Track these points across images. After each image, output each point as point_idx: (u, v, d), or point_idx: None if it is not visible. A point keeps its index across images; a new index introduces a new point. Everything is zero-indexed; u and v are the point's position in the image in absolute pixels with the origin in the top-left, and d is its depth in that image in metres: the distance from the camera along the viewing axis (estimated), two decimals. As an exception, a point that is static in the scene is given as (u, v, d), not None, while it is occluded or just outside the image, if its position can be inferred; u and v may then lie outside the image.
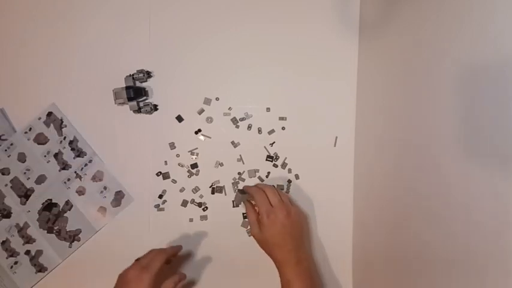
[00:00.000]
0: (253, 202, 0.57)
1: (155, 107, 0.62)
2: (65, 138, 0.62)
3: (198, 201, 0.62)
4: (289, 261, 0.51)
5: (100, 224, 0.62)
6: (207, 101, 0.62)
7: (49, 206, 0.63)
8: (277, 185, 0.62)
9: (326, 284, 0.62)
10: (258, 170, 0.62)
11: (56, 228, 0.63)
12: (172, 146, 0.62)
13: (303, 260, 0.53)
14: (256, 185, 0.57)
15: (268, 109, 0.62)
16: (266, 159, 0.62)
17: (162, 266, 0.51)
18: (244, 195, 0.57)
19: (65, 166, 0.63)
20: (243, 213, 0.62)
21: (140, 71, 0.60)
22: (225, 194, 0.62)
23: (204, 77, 0.62)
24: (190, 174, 0.62)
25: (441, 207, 0.37)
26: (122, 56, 0.62)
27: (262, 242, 0.53)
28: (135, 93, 0.58)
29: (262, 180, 0.62)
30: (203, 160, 0.62)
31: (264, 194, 0.54)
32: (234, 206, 0.62)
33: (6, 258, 0.62)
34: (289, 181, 0.62)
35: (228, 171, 0.62)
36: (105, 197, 0.63)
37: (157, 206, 0.62)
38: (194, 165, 0.62)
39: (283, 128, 0.62)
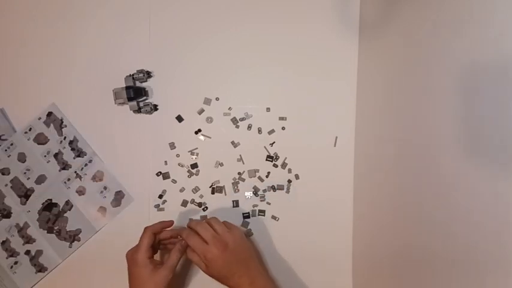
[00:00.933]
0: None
1: (155, 107, 0.62)
2: (65, 138, 0.62)
3: (198, 201, 0.62)
4: (243, 286, 0.51)
5: (100, 224, 0.62)
6: (207, 101, 0.62)
7: (49, 206, 0.63)
8: (277, 185, 0.62)
9: (326, 284, 0.62)
10: (258, 170, 0.62)
11: (56, 228, 0.63)
12: (172, 146, 0.62)
13: (256, 279, 0.52)
14: (188, 225, 0.54)
15: (268, 109, 0.62)
16: (266, 159, 0.62)
17: (152, 241, 0.52)
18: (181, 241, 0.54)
19: (65, 166, 0.63)
20: (243, 213, 0.62)
21: (140, 71, 0.60)
22: (225, 194, 0.62)
23: (204, 77, 0.62)
24: (190, 174, 0.62)
25: (441, 207, 0.37)
26: (122, 56, 0.62)
27: (213, 277, 0.52)
28: (135, 93, 0.58)
29: (262, 180, 0.62)
30: (203, 160, 0.62)
31: (196, 235, 0.52)
32: (234, 206, 0.62)
33: (6, 258, 0.62)
34: (289, 181, 0.62)
35: (228, 171, 0.62)
36: (105, 197, 0.63)
37: (157, 206, 0.62)
38: (194, 165, 0.62)
39: (283, 128, 0.62)
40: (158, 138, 0.62)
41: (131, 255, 0.51)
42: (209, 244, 0.50)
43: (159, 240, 0.55)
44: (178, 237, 0.54)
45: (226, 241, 0.51)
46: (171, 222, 0.56)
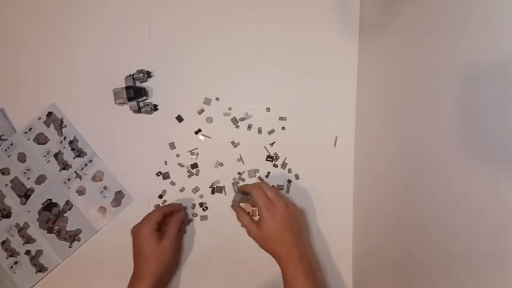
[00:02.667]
0: (243, 205, 0.58)
1: (155, 107, 0.62)
2: (65, 138, 0.62)
3: (198, 201, 0.62)
4: (292, 258, 0.51)
5: (100, 224, 0.63)
6: (207, 101, 0.62)
7: (49, 206, 0.63)
8: (277, 185, 0.62)
9: (326, 284, 0.62)
10: (258, 170, 0.62)
11: (56, 228, 0.63)
12: (172, 146, 0.62)
13: (305, 256, 0.52)
14: (252, 184, 0.57)
15: (268, 109, 0.62)
16: (266, 159, 0.62)
17: (159, 219, 0.54)
18: (242, 195, 0.57)
19: (65, 166, 0.63)
20: (243, 213, 0.62)
21: (140, 71, 0.60)
22: (225, 194, 0.62)
23: (204, 77, 0.62)
24: (190, 174, 0.62)
25: (441, 207, 0.37)
26: (122, 56, 0.62)
27: (263, 240, 0.52)
28: (135, 93, 0.58)
29: (262, 180, 0.62)
30: (203, 160, 0.62)
31: (261, 190, 0.54)
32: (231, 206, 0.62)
33: (6, 258, 0.62)
34: (289, 181, 0.62)
35: (228, 171, 0.62)
36: (105, 197, 0.63)
37: (157, 206, 0.62)
38: (194, 165, 0.62)
39: (283, 128, 0.62)
40: (158, 138, 0.62)
41: (137, 228, 0.54)
42: (272, 201, 0.52)
43: (165, 223, 0.57)
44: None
45: (288, 203, 0.53)
46: (181, 207, 0.60)
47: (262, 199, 0.52)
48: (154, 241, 0.52)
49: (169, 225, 0.56)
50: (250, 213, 0.59)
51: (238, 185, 0.62)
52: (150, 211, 0.56)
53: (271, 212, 0.51)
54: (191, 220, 0.62)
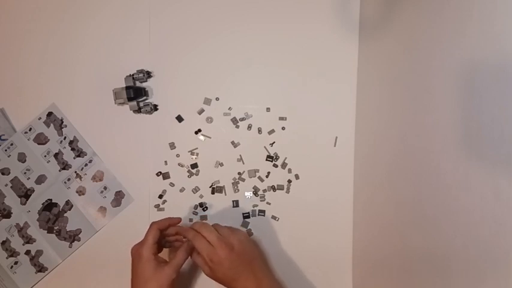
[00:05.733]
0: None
1: (155, 107, 0.62)
2: (65, 138, 0.62)
3: (198, 201, 0.62)
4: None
5: (100, 224, 0.63)
6: (207, 101, 0.62)
7: (49, 206, 0.63)
8: (277, 185, 0.62)
9: (326, 284, 0.62)
10: (258, 170, 0.62)
11: (56, 228, 0.63)
12: (172, 146, 0.62)
13: (263, 281, 0.51)
14: (192, 226, 0.53)
15: (268, 109, 0.62)
16: (266, 159, 0.62)
17: (157, 237, 0.51)
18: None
19: (65, 166, 0.63)
20: (243, 213, 0.62)
21: (140, 71, 0.60)
22: (225, 194, 0.62)
23: (204, 77, 0.62)
24: (190, 174, 0.62)
25: (441, 206, 0.37)
26: (121, 56, 0.62)
27: (218, 281, 0.51)
28: (135, 93, 0.58)
29: (262, 180, 0.62)
30: (203, 160, 0.62)
31: (201, 237, 0.51)
32: (234, 206, 0.62)
33: (6, 258, 0.62)
34: (289, 181, 0.62)
35: (228, 171, 0.62)
36: (105, 197, 0.63)
37: (157, 206, 0.62)
38: (194, 165, 0.62)
39: (283, 128, 0.62)
40: (158, 138, 0.62)
41: (136, 250, 0.51)
42: (215, 246, 0.50)
43: (164, 237, 0.54)
44: (183, 238, 0.54)
45: (232, 243, 0.51)
46: (179, 220, 0.55)
47: (205, 250, 0.50)
48: (154, 266, 0.49)
49: (177, 252, 0.51)
50: None
51: (239, 185, 0.62)
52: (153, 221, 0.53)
53: (216, 261, 0.49)
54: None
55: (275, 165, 0.62)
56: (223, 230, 0.53)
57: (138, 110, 0.60)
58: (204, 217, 0.62)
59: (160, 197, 0.62)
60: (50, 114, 0.62)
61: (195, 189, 0.62)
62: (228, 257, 0.50)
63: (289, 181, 0.62)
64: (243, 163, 0.62)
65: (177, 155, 0.62)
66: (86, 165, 0.62)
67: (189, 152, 0.62)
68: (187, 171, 0.62)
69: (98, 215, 0.63)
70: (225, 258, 0.49)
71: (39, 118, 0.62)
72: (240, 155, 0.62)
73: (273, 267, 0.62)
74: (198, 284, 0.62)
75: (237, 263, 0.50)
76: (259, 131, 0.62)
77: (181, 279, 0.62)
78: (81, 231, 0.62)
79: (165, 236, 0.55)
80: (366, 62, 0.59)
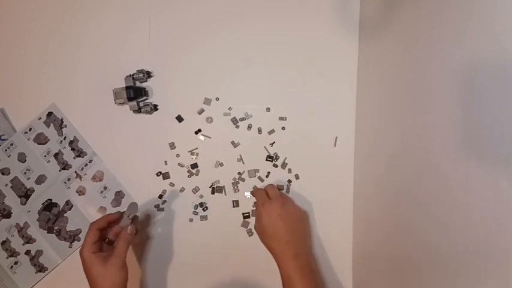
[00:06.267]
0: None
1: (155, 107, 0.62)
2: (65, 138, 0.62)
3: (198, 201, 0.62)
4: (287, 254, 0.51)
5: (100, 224, 0.62)
6: (207, 101, 0.62)
7: (49, 206, 0.63)
8: (277, 185, 0.62)
9: (326, 284, 0.62)
10: (258, 170, 0.62)
11: (56, 228, 0.63)
12: (172, 146, 0.62)
13: (302, 254, 0.53)
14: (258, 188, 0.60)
15: (268, 109, 0.62)
16: (266, 159, 0.62)
17: (96, 236, 0.50)
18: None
19: (65, 166, 0.63)
20: (243, 213, 0.62)
21: (140, 71, 0.60)
22: (225, 194, 0.62)
23: (204, 77, 0.62)
24: (190, 174, 0.62)
25: (441, 206, 0.37)
26: (121, 56, 0.62)
27: (259, 232, 0.55)
28: (135, 93, 0.58)
29: (262, 180, 0.62)
30: (203, 160, 0.62)
31: (264, 191, 0.57)
32: (234, 206, 0.62)
33: (6, 258, 0.62)
34: (289, 181, 0.62)
35: (228, 171, 0.62)
36: (105, 197, 0.63)
37: (157, 206, 0.62)
38: (194, 165, 0.62)
39: (283, 128, 0.62)
40: (158, 138, 0.62)
41: (80, 253, 0.49)
42: (271, 198, 0.55)
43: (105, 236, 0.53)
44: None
45: (286, 203, 0.55)
46: (117, 215, 0.53)
47: (261, 198, 0.55)
48: (99, 263, 0.48)
49: (118, 242, 0.50)
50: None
51: (239, 185, 0.62)
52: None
53: (266, 208, 0.54)
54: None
55: (275, 165, 0.62)
56: (285, 194, 0.59)
57: (138, 110, 0.60)
58: (204, 217, 0.62)
59: (160, 197, 0.62)
60: (50, 114, 0.62)
61: (195, 189, 0.62)
62: (278, 210, 0.53)
63: (289, 181, 0.62)
64: (243, 163, 0.62)
65: (177, 155, 0.62)
66: (86, 165, 0.62)
67: (189, 152, 0.62)
68: (187, 171, 0.62)
69: (98, 215, 0.62)
70: (274, 209, 0.53)
71: (39, 118, 0.62)
72: (240, 155, 0.62)
73: (272, 267, 0.61)
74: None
75: (283, 221, 0.53)
76: (259, 131, 0.62)
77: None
78: (81, 231, 0.62)
79: (104, 239, 0.52)
80: (366, 62, 0.59)
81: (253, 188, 0.62)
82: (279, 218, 0.53)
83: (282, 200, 0.55)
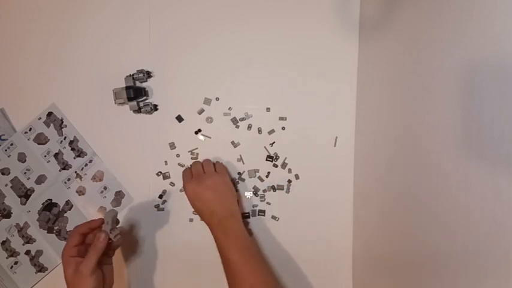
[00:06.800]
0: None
1: (155, 107, 0.62)
2: (65, 138, 0.62)
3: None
4: (213, 222, 0.54)
5: (100, 224, 0.62)
6: (207, 101, 0.62)
7: (49, 206, 0.63)
8: (277, 185, 0.62)
9: (326, 284, 0.62)
10: (258, 170, 0.62)
11: (56, 228, 0.63)
12: (172, 146, 0.62)
13: (225, 218, 0.54)
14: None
15: (268, 109, 0.62)
16: (266, 159, 0.62)
17: (76, 241, 0.50)
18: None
19: (65, 166, 0.63)
20: (243, 213, 0.62)
21: (140, 71, 0.60)
22: (225, 194, 0.62)
23: (204, 77, 0.62)
24: (190, 174, 0.62)
25: (441, 206, 0.37)
26: (121, 56, 0.62)
27: (193, 199, 0.55)
28: (135, 93, 0.58)
29: (262, 180, 0.62)
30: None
31: (189, 169, 0.58)
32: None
33: (6, 258, 0.62)
34: (289, 181, 0.62)
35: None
36: (105, 197, 0.63)
37: (157, 206, 0.62)
38: (194, 165, 0.62)
39: (283, 128, 0.62)
40: (158, 138, 0.62)
41: (62, 256, 0.50)
42: (192, 178, 0.56)
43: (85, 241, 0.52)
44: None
45: (205, 179, 0.55)
46: (99, 223, 0.52)
47: (184, 179, 0.57)
48: (72, 267, 0.48)
49: (89, 249, 0.49)
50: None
51: (239, 185, 0.62)
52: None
53: (186, 190, 0.55)
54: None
55: (275, 165, 0.62)
56: (208, 168, 0.58)
57: (138, 110, 0.60)
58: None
59: (160, 197, 0.62)
60: (50, 114, 0.62)
61: (195, 189, 0.62)
62: (195, 189, 0.54)
63: (289, 181, 0.62)
64: (243, 163, 0.62)
65: (177, 155, 0.62)
66: (86, 165, 0.62)
67: (189, 152, 0.62)
68: (187, 171, 0.62)
69: (98, 215, 0.62)
70: (192, 190, 0.54)
71: (39, 118, 0.62)
72: (240, 155, 0.62)
73: (273, 267, 0.62)
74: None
75: (203, 198, 0.54)
76: (259, 131, 0.62)
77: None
78: (81, 231, 0.62)
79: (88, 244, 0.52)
80: (366, 62, 0.59)
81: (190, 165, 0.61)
82: (198, 196, 0.54)
83: (200, 178, 0.55)
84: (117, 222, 0.55)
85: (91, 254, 0.49)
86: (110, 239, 0.51)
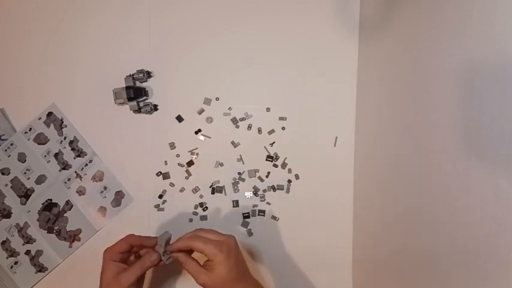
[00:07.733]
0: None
1: (155, 107, 0.62)
2: (65, 138, 0.62)
3: (198, 201, 0.62)
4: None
5: (100, 224, 0.62)
6: (207, 101, 0.62)
7: (49, 206, 0.63)
8: (277, 185, 0.62)
9: (326, 284, 0.62)
10: (258, 170, 0.62)
11: (56, 228, 0.63)
12: (172, 146, 0.62)
13: (249, 280, 0.50)
14: (186, 236, 0.50)
15: (268, 109, 0.62)
16: (266, 159, 0.62)
17: (125, 248, 0.49)
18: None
19: (65, 166, 0.63)
20: (243, 213, 0.62)
21: (140, 71, 0.60)
22: (225, 194, 0.62)
23: (204, 77, 0.62)
24: (190, 174, 0.62)
25: (441, 207, 0.37)
26: (121, 56, 0.62)
27: (220, 284, 0.45)
28: (135, 93, 0.58)
29: (262, 180, 0.62)
30: (203, 160, 0.62)
31: (200, 235, 0.48)
32: (234, 206, 0.62)
33: (6, 258, 0.62)
34: (289, 181, 0.62)
35: (228, 171, 0.62)
36: (105, 197, 0.63)
37: (157, 206, 0.62)
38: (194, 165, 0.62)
39: (283, 128, 0.62)
40: (158, 138, 0.62)
41: (105, 251, 0.49)
42: (220, 240, 0.47)
43: (134, 253, 0.51)
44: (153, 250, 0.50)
45: (232, 237, 0.49)
46: (153, 243, 0.50)
47: (210, 242, 0.46)
48: (114, 272, 0.47)
49: (134, 264, 0.48)
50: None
51: (239, 185, 0.62)
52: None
53: (226, 251, 0.46)
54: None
55: (275, 165, 0.62)
56: (216, 235, 0.49)
57: (138, 110, 0.60)
58: (204, 217, 0.62)
59: (160, 197, 0.62)
60: (50, 114, 0.62)
61: (195, 189, 0.62)
62: (236, 248, 0.48)
63: (289, 181, 0.62)
64: (243, 163, 0.62)
65: (177, 155, 0.62)
66: (86, 165, 0.62)
67: (189, 152, 0.62)
68: (187, 171, 0.62)
69: (98, 215, 0.63)
70: (233, 249, 0.47)
71: (39, 118, 0.62)
72: (240, 155, 0.62)
73: (272, 267, 0.62)
74: None
75: (241, 259, 0.49)
76: (259, 131, 0.62)
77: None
78: (81, 231, 0.62)
79: (134, 252, 0.51)
80: (366, 62, 0.59)
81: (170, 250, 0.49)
82: (238, 257, 0.48)
83: (230, 236, 0.49)
84: (168, 243, 0.50)
85: (136, 268, 0.47)
86: (161, 260, 0.49)
